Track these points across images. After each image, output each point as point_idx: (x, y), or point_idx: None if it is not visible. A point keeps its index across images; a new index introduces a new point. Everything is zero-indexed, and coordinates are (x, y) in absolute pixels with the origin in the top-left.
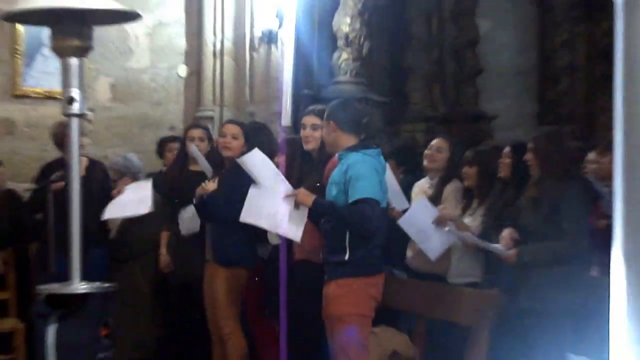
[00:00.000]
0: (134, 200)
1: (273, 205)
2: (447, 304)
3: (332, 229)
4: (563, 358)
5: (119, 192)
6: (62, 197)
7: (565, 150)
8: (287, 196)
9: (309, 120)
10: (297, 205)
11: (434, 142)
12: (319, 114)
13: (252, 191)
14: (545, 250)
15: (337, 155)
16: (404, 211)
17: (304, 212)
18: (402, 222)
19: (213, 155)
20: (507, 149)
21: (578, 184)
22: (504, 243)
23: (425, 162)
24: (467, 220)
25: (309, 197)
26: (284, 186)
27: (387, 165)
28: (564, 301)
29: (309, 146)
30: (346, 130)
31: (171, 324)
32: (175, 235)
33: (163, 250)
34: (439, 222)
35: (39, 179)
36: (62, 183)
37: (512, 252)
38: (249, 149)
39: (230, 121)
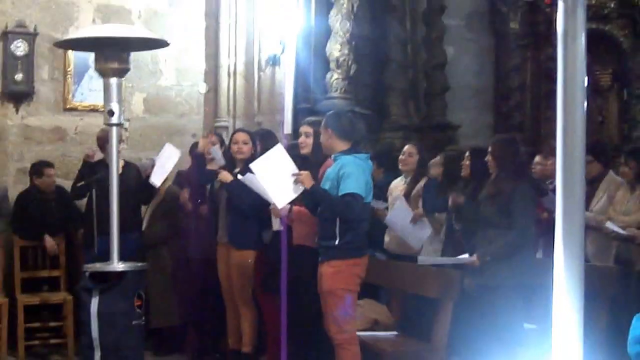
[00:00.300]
0: (165, 160)
1: (281, 175)
2: (418, 281)
3: (326, 218)
4: (516, 326)
5: (146, 175)
6: (104, 191)
7: (519, 154)
8: (294, 174)
9: (303, 129)
10: (296, 182)
11: (405, 148)
12: (312, 124)
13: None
14: (500, 246)
15: (332, 156)
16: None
17: (297, 190)
18: (388, 222)
19: (225, 156)
20: (467, 153)
21: (528, 183)
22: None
23: (400, 165)
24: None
25: (310, 181)
26: (294, 169)
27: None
28: (516, 279)
29: (304, 151)
30: (340, 136)
31: (192, 297)
32: (195, 220)
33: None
34: (415, 220)
35: (83, 172)
36: (94, 154)
37: (475, 258)
38: (256, 151)
39: (240, 130)
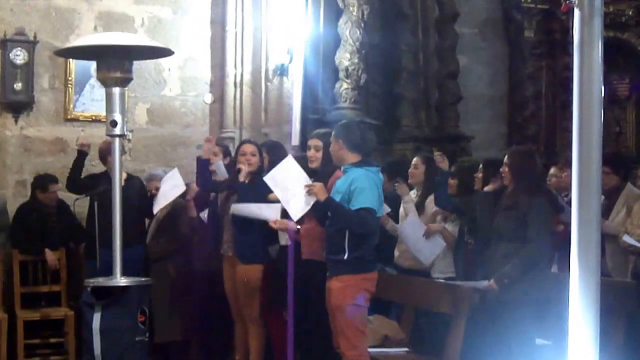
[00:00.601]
0: (170, 188)
1: (293, 186)
2: (430, 296)
3: (334, 232)
4: (532, 342)
5: (157, 189)
6: (106, 204)
7: (536, 167)
8: (307, 185)
9: (312, 142)
10: (309, 194)
11: (413, 160)
12: (322, 137)
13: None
14: (516, 266)
15: (342, 168)
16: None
17: (310, 202)
18: (400, 234)
19: (230, 168)
20: (480, 165)
21: (544, 197)
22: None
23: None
24: (448, 226)
25: (324, 193)
26: (306, 179)
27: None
28: (530, 293)
29: (313, 165)
30: (351, 148)
31: (196, 311)
32: (198, 232)
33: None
34: (428, 234)
35: (78, 164)
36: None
37: (492, 283)
38: (263, 163)
39: (248, 141)
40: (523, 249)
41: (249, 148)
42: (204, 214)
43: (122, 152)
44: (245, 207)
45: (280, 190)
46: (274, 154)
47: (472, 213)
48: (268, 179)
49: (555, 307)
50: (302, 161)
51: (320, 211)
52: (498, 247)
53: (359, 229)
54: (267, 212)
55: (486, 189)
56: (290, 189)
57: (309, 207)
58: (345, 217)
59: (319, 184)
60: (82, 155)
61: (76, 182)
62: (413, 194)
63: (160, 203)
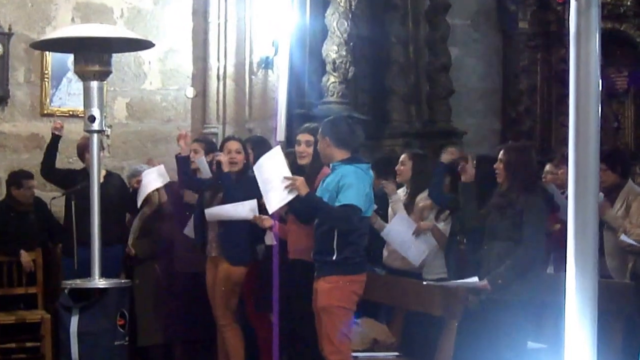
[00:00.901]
0: (153, 178)
1: (274, 178)
2: (421, 298)
3: (323, 232)
4: (524, 346)
5: (139, 181)
6: (84, 202)
7: (532, 163)
8: (287, 178)
9: (303, 137)
10: (291, 188)
11: (401, 157)
12: (313, 132)
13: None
14: (510, 267)
15: (330, 165)
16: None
17: (289, 196)
18: (385, 234)
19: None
20: (470, 158)
21: (540, 195)
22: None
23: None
24: (440, 225)
25: (305, 188)
26: (287, 173)
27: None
28: (525, 295)
29: (303, 161)
30: (339, 145)
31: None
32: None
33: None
34: (418, 233)
35: (51, 150)
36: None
37: (485, 283)
38: (248, 160)
39: (232, 138)
40: (517, 249)
41: (233, 145)
42: (190, 229)
43: (101, 148)
44: (219, 209)
45: (262, 180)
46: (259, 149)
47: (458, 206)
48: (256, 167)
49: (551, 309)
50: (290, 157)
51: (299, 206)
52: (492, 247)
53: (341, 226)
54: (242, 211)
55: (463, 179)
56: (272, 181)
57: (286, 201)
58: (326, 213)
59: (300, 178)
60: (56, 139)
61: (51, 169)
62: (402, 192)
63: (142, 194)
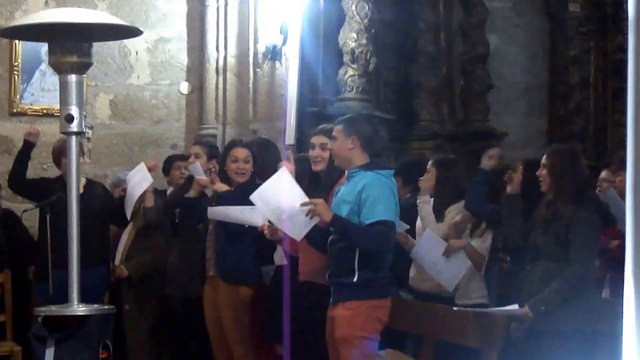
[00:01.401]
0: (136, 183)
1: (286, 206)
2: (455, 327)
3: (340, 250)
4: None
5: (124, 189)
6: (61, 215)
7: (580, 170)
8: (304, 204)
9: (318, 140)
10: (311, 216)
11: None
12: (328, 133)
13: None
14: (556, 291)
15: (347, 172)
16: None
17: (311, 222)
18: (414, 255)
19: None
20: (519, 166)
21: (590, 207)
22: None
23: None
24: (475, 242)
25: (329, 212)
26: (302, 197)
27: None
28: (574, 323)
29: (318, 167)
30: (366, 148)
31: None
32: (177, 252)
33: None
34: (448, 253)
35: (23, 157)
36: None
37: (526, 311)
38: (256, 167)
39: (240, 144)
40: (565, 270)
41: (241, 153)
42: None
43: (80, 153)
44: (225, 210)
45: (271, 211)
46: (265, 154)
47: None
48: (255, 197)
49: (606, 340)
50: (304, 163)
51: (318, 235)
52: (535, 267)
53: (379, 247)
54: (250, 215)
55: (508, 190)
56: (284, 210)
57: (311, 226)
58: (358, 235)
59: (320, 201)
60: (28, 146)
61: (21, 181)
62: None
63: (131, 202)
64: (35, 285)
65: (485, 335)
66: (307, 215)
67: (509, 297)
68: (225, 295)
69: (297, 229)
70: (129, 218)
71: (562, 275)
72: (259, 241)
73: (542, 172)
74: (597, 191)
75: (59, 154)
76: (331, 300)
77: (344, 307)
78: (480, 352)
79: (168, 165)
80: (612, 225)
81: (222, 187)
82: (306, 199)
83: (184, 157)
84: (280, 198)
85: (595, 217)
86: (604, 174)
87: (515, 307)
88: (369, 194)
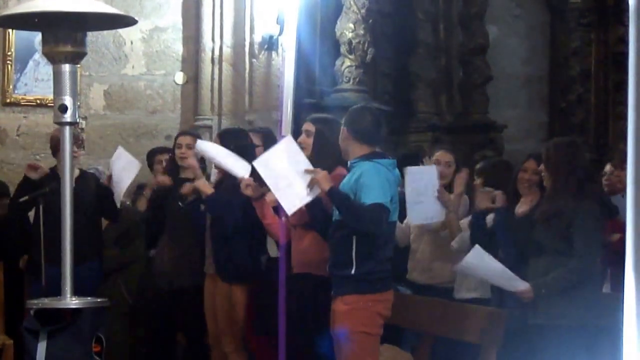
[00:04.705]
0: (122, 169)
1: (289, 173)
2: (454, 322)
3: (339, 239)
4: None
5: (109, 178)
6: (54, 207)
7: (581, 162)
8: (307, 171)
9: (304, 126)
10: (311, 185)
11: (440, 155)
12: (315, 122)
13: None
14: (558, 277)
15: (348, 163)
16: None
17: (309, 195)
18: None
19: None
20: (530, 162)
21: (593, 200)
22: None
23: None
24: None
25: (328, 182)
26: (307, 164)
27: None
28: (575, 318)
29: (304, 152)
30: (359, 139)
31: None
32: (171, 247)
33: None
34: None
35: (24, 188)
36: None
37: (528, 289)
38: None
39: (185, 133)
40: (568, 263)
41: (184, 140)
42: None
43: (80, 144)
44: (213, 146)
45: (272, 178)
46: (235, 143)
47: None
48: (258, 163)
49: (608, 335)
50: None
51: (318, 209)
52: (538, 262)
53: (371, 228)
54: (235, 164)
55: (519, 211)
56: (286, 177)
57: (308, 200)
58: (353, 211)
59: (322, 171)
60: (26, 181)
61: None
62: None
63: (121, 191)
64: (27, 278)
65: (485, 331)
66: (308, 185)
67: (508, 294)
68: (222, 292)
69: (292, 199)
70: (119, 205)
71: (567, 265)
72: (249, 234)
73: (542, 168)
74: (604, 188)
75: (58, 143)
76: (332, 293)
77: (343, 301)
78: (480, 347)
79: (151, 160)
80: (613, 215)
81: (205, 187)
82: (311, 167)
83: (166, 150)
84: (284, 164)
85: (597, 210)
86: (607, 167)
87: (518, 281)
88: (364, 180)
